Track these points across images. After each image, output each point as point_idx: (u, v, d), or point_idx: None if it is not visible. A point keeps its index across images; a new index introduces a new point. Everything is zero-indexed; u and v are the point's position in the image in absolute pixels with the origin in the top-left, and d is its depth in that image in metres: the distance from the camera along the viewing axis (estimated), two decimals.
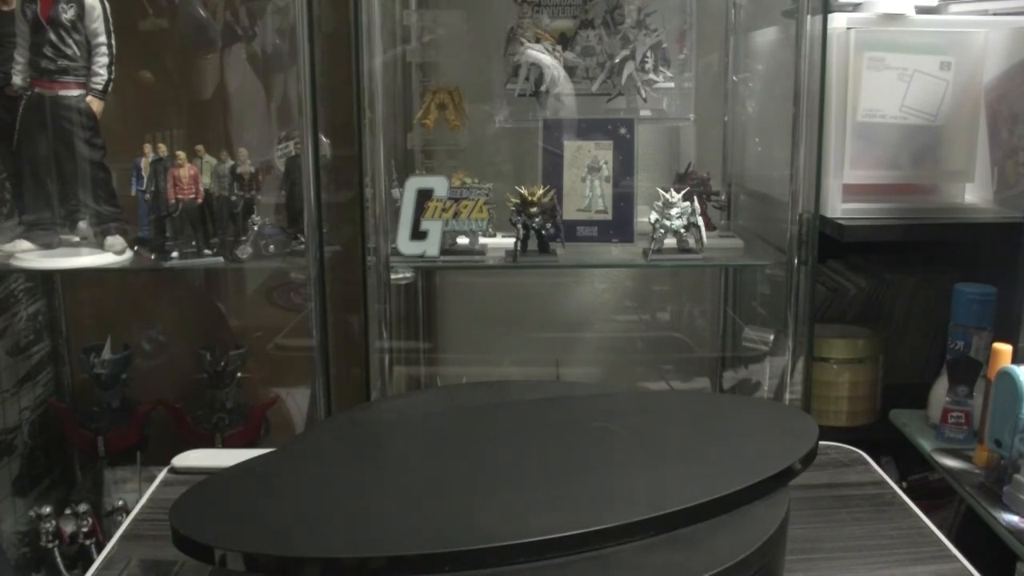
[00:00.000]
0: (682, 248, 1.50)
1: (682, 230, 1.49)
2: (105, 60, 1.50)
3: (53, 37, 1.47)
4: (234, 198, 1.54)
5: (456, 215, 1.48)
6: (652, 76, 1.59)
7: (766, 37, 1.70)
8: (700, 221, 1.49)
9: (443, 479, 0.65)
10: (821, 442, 0.72)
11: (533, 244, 1.50)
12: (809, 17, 1.41)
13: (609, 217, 1.55)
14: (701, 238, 1.49)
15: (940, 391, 1.51)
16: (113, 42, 1.51)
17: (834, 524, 0.80)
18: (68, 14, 1.47)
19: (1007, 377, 1.22)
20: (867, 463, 0.93)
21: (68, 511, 1.65)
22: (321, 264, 1.46)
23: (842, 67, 1.50)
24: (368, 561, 0.54)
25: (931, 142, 1.55)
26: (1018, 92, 1.53)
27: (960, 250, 1.82)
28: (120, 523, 0.85)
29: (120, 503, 1.70)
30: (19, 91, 1.50)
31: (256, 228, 1.55)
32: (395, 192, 1.55)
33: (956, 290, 1.51)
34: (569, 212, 1.55)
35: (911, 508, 0.83)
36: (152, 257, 1.53)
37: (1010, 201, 1.55)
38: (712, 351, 1.96)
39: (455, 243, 1.50)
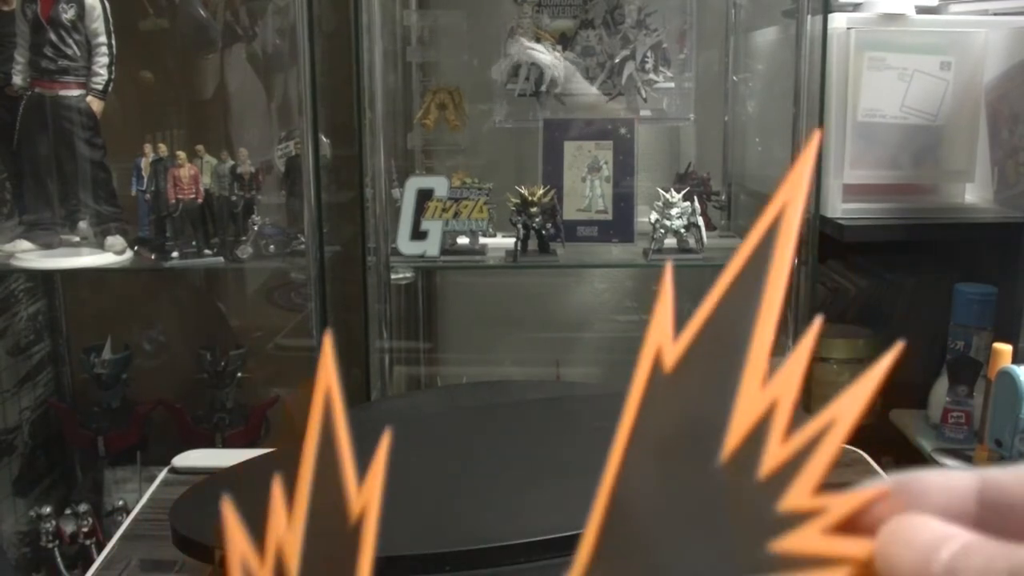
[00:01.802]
0: (682, 248, 1.50)
1: (682, 230, 1.49)
2: (105, 60, 1.50)
3: (53, 37, 1.47)
4: (234, 198, 1.54)
5: (456, 215, 1.48)
6: (652, 76, 1.59)
7: (766, 37, 1.70)
8: (700, 221, 1.49)
9: (443, 479, 0.65)
10: None
11: (533, 244, 1.50)
12: (809, 17, 1.41)
13: (609, 217, 1.55)
14: (701, 238, 1.49)
15: (940, 391, 1.51)
16: (113, 42, 1.51)
17: None
18: (68, 14, 1.47)
19: (1007, 377, 1.22)
20: (867, 463, 0.93)
21: (68, 511, 1.65)
22: (321, 264, 1.46)
23: (842, 67, 1.50)
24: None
25: (931, 142, 1.55)
26: (1018, 92, 1.53)
27: (960, 250, 1.82)
28: (120, 523, 0.85)
29: (120, 503, 1.70)
30: (19, 91, 1.50)
31: (256, 228, 1.55)
32: (395, 192, 1.55)
33: (956, 290, 1.51)
34: (569, 212, 1.55)
35: None
36: (152, 257, 1.53)
37: (1010, 201, 1.55)
38: None
39: (455, 243, 1.50)
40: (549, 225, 1.49)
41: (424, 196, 1.47)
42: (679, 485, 0.29)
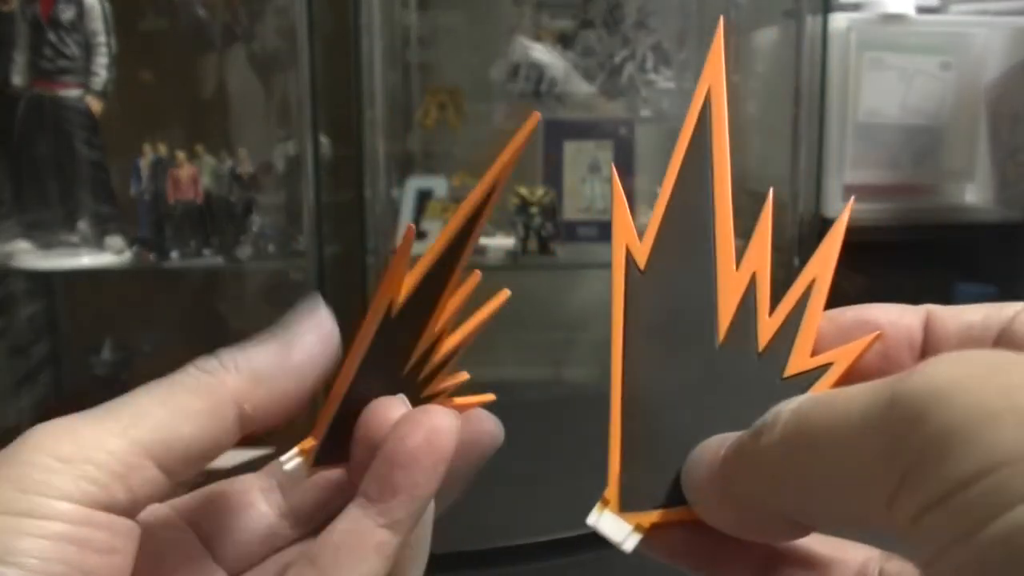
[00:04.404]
0: None
1: None
2: (104, 60, 1.50)
3: (53, 37, 1.47)
4: (234, 198, 1.54)
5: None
6: (652, 76, 1.59)
7: (766, 37, 1.70)
8: None
9: None
10: None
11: (533, 244, 1.50)
12: (809, 17, 1.41)
13: (609, 217, 1.55)
14: None
15: None
16: (112, 42, 1.51)
17: None
18: (68, 14, 1.47)
19: None
20: None
21: None
22: (321, 264, 1.46)
23: (842, 67, 1.50)
24: None
25: (931, 142, 1.55)
26: (1018, 92, 1.53)
27: (960, 250, 1.82)
28: None
29: None
30: (19, 91, 1.50)
31: (255, 228, 1.55)
32: (395, 192, 1.55)
33: (956, 290, 1.51)
34: (569, 212, 1.55)
35: None
36: (152, 257, 1.53)
37: (1010, 201, 1.55)
38: None
39: None
40: (549, 225, 1.49)
41: (424, 196, 1.47)
42: (686, 370, 0.30)
